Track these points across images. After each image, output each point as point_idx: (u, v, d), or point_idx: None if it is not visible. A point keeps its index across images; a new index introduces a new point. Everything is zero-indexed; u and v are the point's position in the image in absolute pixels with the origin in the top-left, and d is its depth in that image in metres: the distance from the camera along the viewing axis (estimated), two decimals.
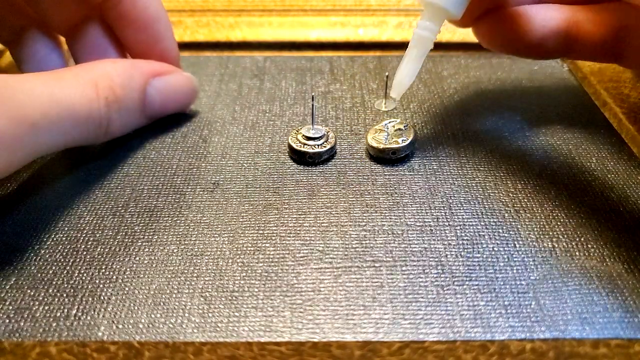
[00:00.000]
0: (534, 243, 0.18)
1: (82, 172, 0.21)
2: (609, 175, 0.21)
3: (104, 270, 0.17)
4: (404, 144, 0.21)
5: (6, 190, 0.21)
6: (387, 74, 0.24)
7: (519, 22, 0.21)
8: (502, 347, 0.15)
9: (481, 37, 0.23)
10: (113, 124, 0.20)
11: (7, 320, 0.16)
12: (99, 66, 0.20)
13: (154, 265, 0.18)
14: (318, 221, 0.19)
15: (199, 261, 0.18)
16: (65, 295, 0.17)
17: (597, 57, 0.22)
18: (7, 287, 0.17)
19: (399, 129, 0.22)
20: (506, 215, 0.19)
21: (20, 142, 0.17)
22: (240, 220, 0.19)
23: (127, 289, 0.17)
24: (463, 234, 0.19)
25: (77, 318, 0.16)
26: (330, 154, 0.22)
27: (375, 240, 0.18)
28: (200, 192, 0.20)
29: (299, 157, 0.22)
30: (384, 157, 0.22)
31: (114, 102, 0.20)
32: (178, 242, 0.18)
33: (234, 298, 0.16)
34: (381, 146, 0.21)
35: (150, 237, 0.19)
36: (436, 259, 0.18)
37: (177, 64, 0.26)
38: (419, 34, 0.20)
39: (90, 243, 0.18)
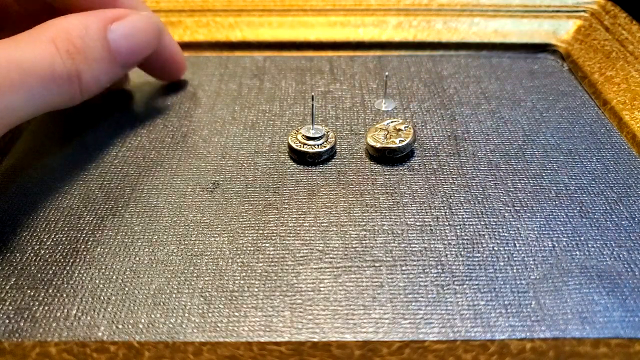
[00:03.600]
0: (534, 242, 0.18)
1: (82, 172, 0.21)
2: (609, 175, 0.21)
3: (104, 270, 0.17)
4: (401, 144, 0.21)
5: (6, 190, 0.21)
6: (386, 73, 0.24)
7: None
8: (502, 347, 0.15)
9: None
10: (84, 78, 0.20)
11: (7, 321, 0.16)
12: (52, 23, 0.20)
13: (154, 265, 0.18)
14: (318, 221, 0.19)
15: (199, 261, 0.18)
16: (65, 295, 0.17)
17: None
18: (7, 287, 0.17)
19: (399, 129, 0.22)
20: (506, 215, 0.19)
21: None
22: (240, 220, 0.19)
23: (127, 289, 0.17)
24: (463, 234, 0.18)
25: (77, 318, 0.16)
26: (330, 154, 0.22)
27: (375, 240, 0.18)
28: (200, 192, 0.20)
29: (299, 157, 0.22)
30: (381, 157, 0.22)
31: (77, 54, 0.19)
32: (178, 242, 0.18)
33: (233, 298, 0.16)
34: (379, 145, 0.21)
35: (150, 237, 0.19)
36: (436, 259, 0.18)
37: (183, 66, 0.26)
38: None
39: (90, 243, 0.18)
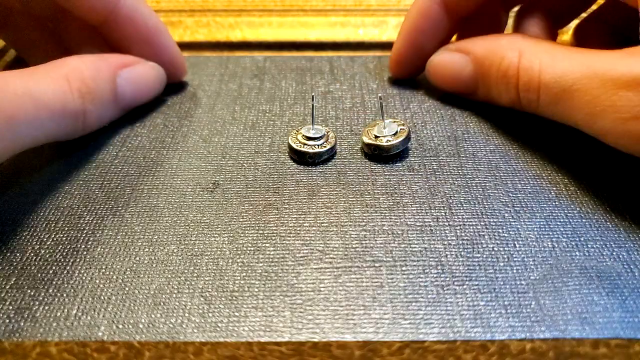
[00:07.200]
0: (533, 243, 0.18)
1: (82, 173, 0.21)
2: (609, 175, 0.21)
3: (104, 270, 0.17)
4: (389, 144, 0.21)
5: (6, 190, 0.21)
6: (380, 94, 0.25)
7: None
8: (502, 347, 0.15)
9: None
10: (89, 117, 0.21)
11: (7, 320, 0.16)
12: (68, 62, 0.21)
13: (154, 265, 0.18)
14: (318, 221, 0.19)
15: (199, 261, 0.18)
16: (65, 295, 0.17)
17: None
18: (7, 287, 0.17)
19: (395, 128, 0.22)
20: (506, 215, 0.19)
21: None
22: (240, 220, 0.19)
23: (127, 289, 0.17)
24: (463, 234, 0.19)
25: (77, 318, 0.16)
26: (330, 154, 0.22)
27: (375, 240, 0.18)
28: (200, 192, 0.20)
29: (299, 157, 0.22)
30: (372, 154, 0.22)
31: (87, 94, 0.20)
32: (178, 242, 0.18)
33: (234, 298, 0.16)
34: (369, 141, 0.21)
35: (150, 237, 0.19)
36: (436, 259, 0.18)
37: (183, 68, 0.27)
38: None
39: (90, 243, 0.18)
